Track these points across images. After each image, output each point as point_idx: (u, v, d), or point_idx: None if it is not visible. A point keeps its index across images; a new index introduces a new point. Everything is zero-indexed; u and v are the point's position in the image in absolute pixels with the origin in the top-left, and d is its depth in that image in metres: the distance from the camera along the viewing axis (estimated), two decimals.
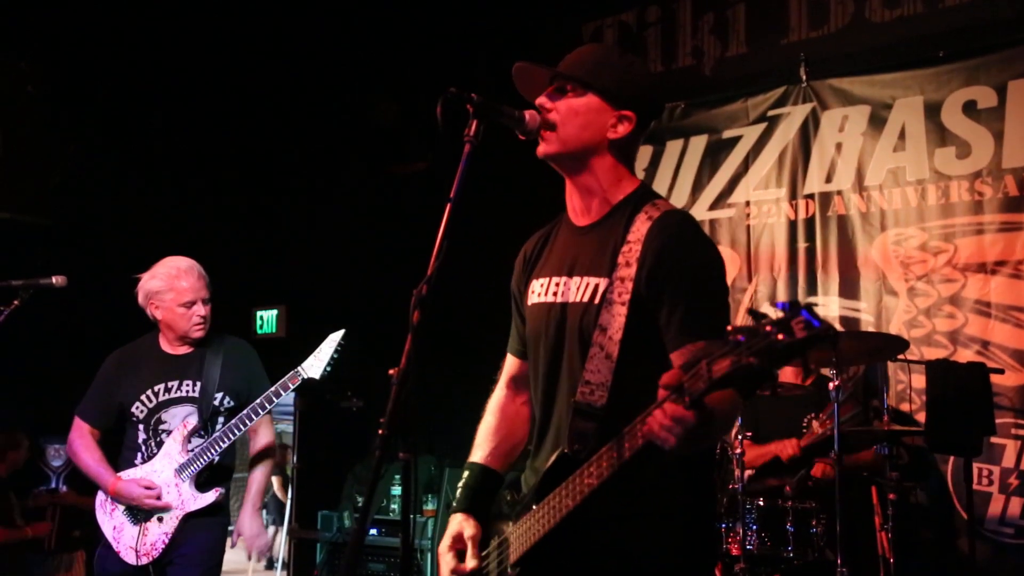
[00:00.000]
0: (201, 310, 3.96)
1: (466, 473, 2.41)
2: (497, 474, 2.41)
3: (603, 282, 2.15)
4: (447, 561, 2.30)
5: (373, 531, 6.07)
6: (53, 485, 6.21)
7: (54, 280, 3.70)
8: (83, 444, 3.99)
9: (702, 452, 2.23)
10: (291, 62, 7.03)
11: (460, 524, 2.32)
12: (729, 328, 1.55)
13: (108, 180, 6.86)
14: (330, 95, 7.20)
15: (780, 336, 1.47)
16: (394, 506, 6.18)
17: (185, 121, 7.01)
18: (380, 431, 1.82)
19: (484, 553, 2.30)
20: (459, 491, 2.39)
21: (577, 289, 2.20)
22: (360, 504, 6.31)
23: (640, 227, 2.14)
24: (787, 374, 5.19)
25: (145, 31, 6.53)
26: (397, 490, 6.20)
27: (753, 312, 1.54)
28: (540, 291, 2.31)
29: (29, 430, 6.34)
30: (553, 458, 2.10)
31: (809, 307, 1.47)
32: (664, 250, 2.09)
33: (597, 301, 2.14)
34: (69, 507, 6.17)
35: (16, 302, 3.63)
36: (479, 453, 2.43)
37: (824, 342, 1.46)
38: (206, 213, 7.33)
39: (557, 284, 2.26)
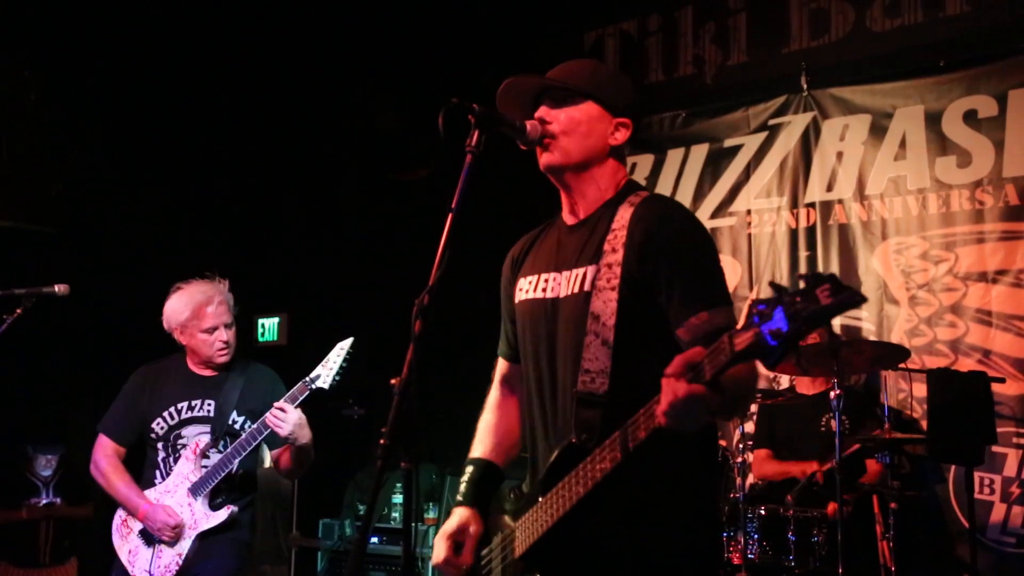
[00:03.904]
0: (223, 335, 3.92)
1: (469, 468, 2.42)
2: (499, 469, 2.42)
3: (591, 270, 2.16)
4: (442, 548, 2.28)
5: (374, 539, 6.06)
6: (45, 495, 6.19)
7: (57, 289, 3.68)
8: (112, 465, 3.92)
9: (707, 451, 2.24)
10: (293, 69, 7.05)
11: (466, 518, 2.31)
12: (751, 300, 1.57)
13: (111, 188, 6.88)
14: (332, 102, 7.21)
15: (805, 304, 1.49)
16: (395, 514, 6.18)
17: (187, 128, 7.03)
18: (382, 440, 1.82)
19: (486, 550, 2.29)
20: (463, 485, 2.39)
21: (568, 282, 2.22)
22: (361, 512, 6.30)
23: (623, 214, 2.17)
24: (803, 384, 5.20)
25: (147, 38, 6.55)
26: (398, 498, 6.20)
27: (775, 285, 1.56)
28: (528, 288, 2.32)
29: (20, 438, 6.32)
30: (559, 449, 2.09)
31: (833, 276, 1.49)
32: (652, 229, 2.11)
33: (587, 289, 2.15)
34: (61, 519, 6.16)
35: (19, 310, 3.63)
36: (480, 448, 2.45)
37: (851, 306, 1.48)
38: (207, 220, 7.34)
39: (546, 280, 2.28)
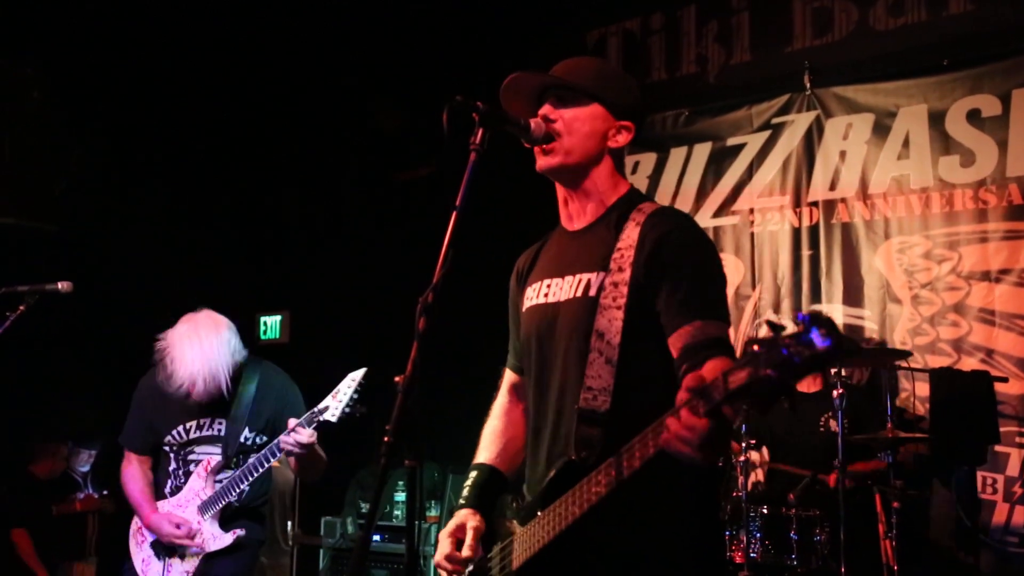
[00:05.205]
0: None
1: (473, 473, 2.41)
2: (503, 475, 2.41)
3: (595, 276, 2.16)
4: (444, 546, 2.28)
5: (376, 537, 6.06)
6: (87, 491, 6.26)
7: (60, 286, 3.65)
8: (130, 474, 3.93)
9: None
10: (295, 68, 7.05)
11: (465, 516, 2.31)
12: (749, 337, 1.55)
13: (113, 186, 6.89)
14: (334, 101, 7.21)
15: (799, 349, 1.43)
16: (397, 512, 6.18)
17: (189, 127, 7.04)
18: (385, 439, 1.81)
19: (488, 556, 2.29)
20: (466, 488, 2.38)
21: (570, 287, 2.22)
22: (363, 510, 6.30)
23: (631, 232, 2.16)
24: (803, 382, 5.19)
25: (150, 37, 6.56)
26: (400, 496, 6.19)
27: (772, 324, 1.50)
28: (533, 295, 2.32)
29: (20, 436, 6.35)
30: (559, 465, 2.09)
31: (829, 320, 1.43)
32: (660, 240, 2.11)
33: (592, 294, 2.15)
34: (103, 512, 6.26)
35: (22, 307, 3.62)
36: (485, 454, 2.44)
37: (843, 356, 1.41)
38: (210, 218, 7.35)
39: (548, 285, 2.28)
